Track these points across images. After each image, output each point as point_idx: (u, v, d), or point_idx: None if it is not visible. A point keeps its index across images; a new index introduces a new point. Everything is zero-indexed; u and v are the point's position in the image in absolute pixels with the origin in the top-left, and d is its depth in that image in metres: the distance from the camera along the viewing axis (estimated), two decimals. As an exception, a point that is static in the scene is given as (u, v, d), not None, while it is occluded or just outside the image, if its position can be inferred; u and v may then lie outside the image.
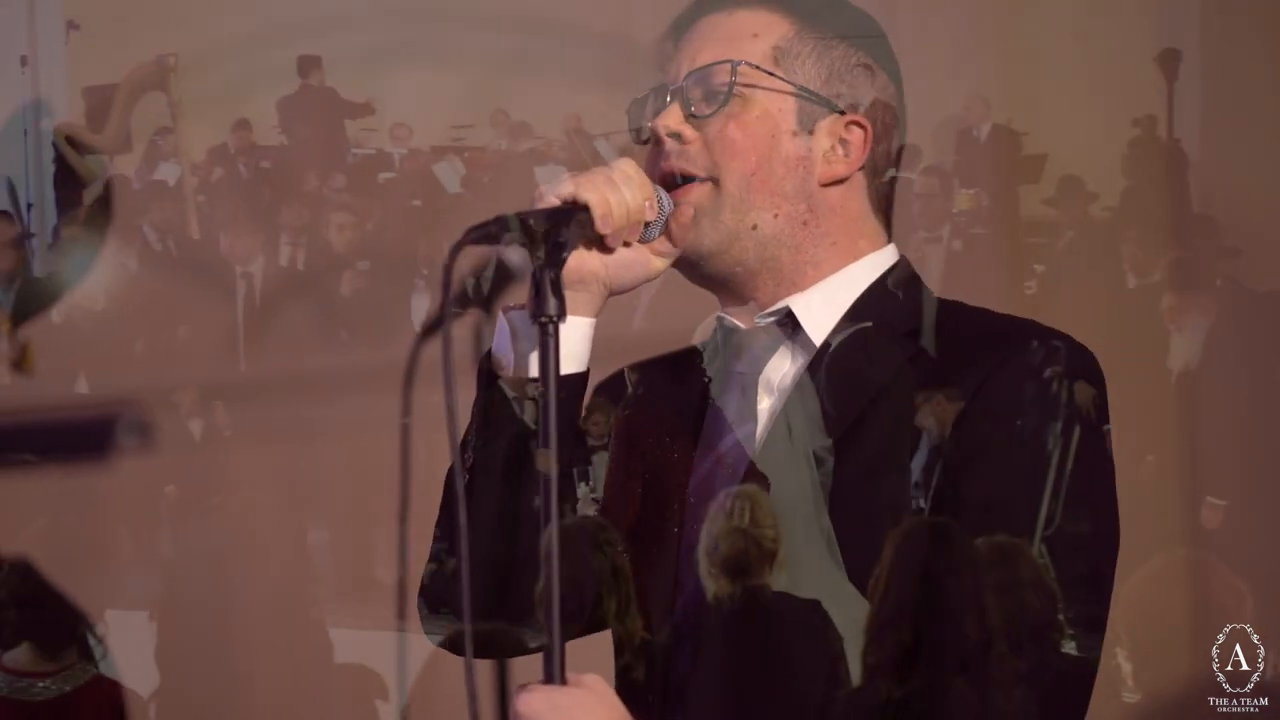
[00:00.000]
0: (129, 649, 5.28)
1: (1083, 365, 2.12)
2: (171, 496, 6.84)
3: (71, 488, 7.11)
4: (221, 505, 5.83)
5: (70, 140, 12.15)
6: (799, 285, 2.19)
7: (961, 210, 8.33)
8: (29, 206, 11.58)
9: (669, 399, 2.28)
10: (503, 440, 2.11)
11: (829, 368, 2.12)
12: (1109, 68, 9.26)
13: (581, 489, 2.23)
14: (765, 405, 2.19)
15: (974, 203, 8.53)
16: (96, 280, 8.14)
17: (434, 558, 2.21)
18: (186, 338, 8.04)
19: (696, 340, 2.30)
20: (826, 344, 2.16)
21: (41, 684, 4.76)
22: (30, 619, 4.84)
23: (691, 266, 2.21)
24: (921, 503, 2.05)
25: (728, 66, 2.17)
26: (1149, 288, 7.49)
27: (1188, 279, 7.17)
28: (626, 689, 2.11)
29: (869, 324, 2.16)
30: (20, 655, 4.80)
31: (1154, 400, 6.82)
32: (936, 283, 7.85)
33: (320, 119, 10.65)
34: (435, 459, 2.03)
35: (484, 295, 2.03)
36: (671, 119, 2.20)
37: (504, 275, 2.00)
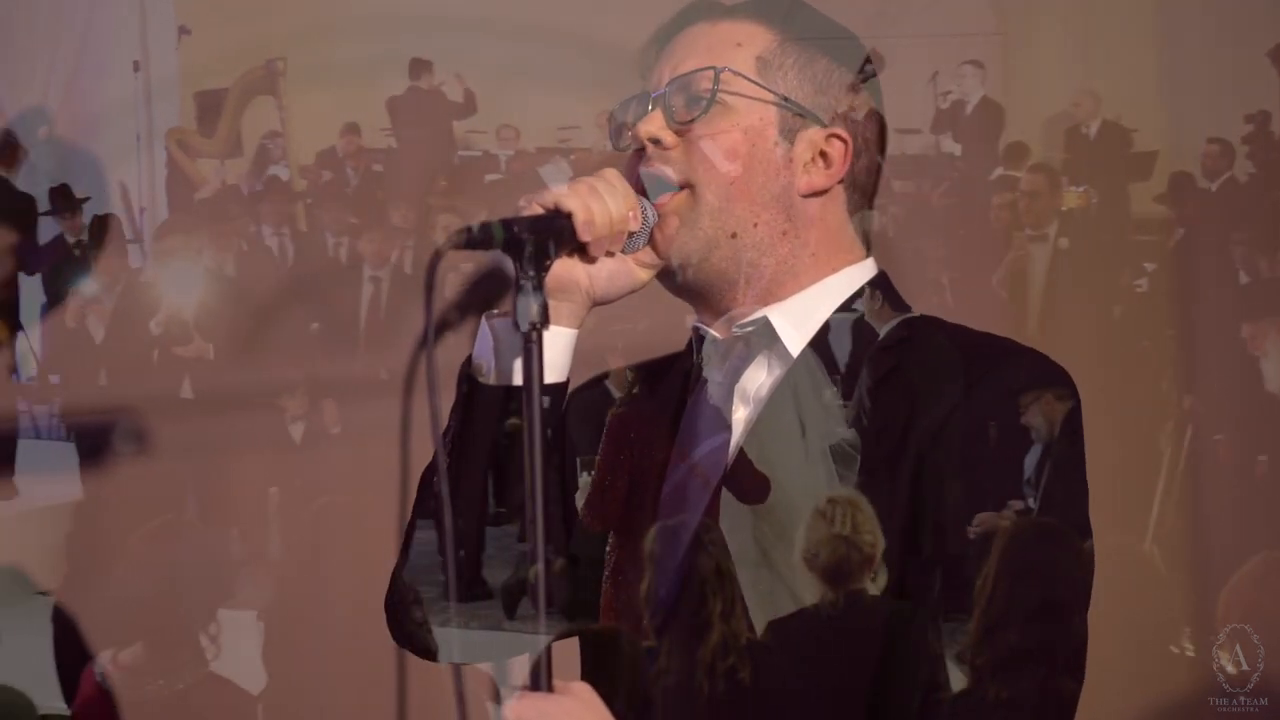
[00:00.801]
0: (239, 648, 5.34)
1: (1058, 384, 2.11)
2: (275, 498, 6.92)
3: (181, 488, 7.21)
4: (329, 504, 5.87)
5: (181, 144, 12.31)
6: (777, 296, 2.18)
7: (1070, 208, 8.27)
8: (141, 210, 11.74)
9: (646, 406, 2.28)
10: (479, 447, 2.12)
11: (806, 380, 2.12)
12: (1221, 63, 9.17)
13: (583, 478, 2.24)
14: (741, 415, 2.18)
15: (1083, 200, 8.47)
16: (205, 285, 8.22)
17: (404, 553, 2.22)
18: (304, 337, 8.11)
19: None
20: (803, 356, 2.16)
21: (155, 682, 4.82)
22: (144, 618, 4.90)
23: (672, 276, 2.20)
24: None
25: (710, 73, 2.16)
26: (1262, 285, 7.41)
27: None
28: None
29: (846, 337, 2.15)
30: (134, 653, 4.86)
31: (1265, 400, 6.76)
32: (1041, 280, 7.82)
33: (428, 122, 10.71)
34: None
35: (481, 302, 2.02)
36: (653, 125, 2.19)
37: (502, 282, 2.00)
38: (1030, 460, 2.06)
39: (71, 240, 9.51)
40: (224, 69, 11.60)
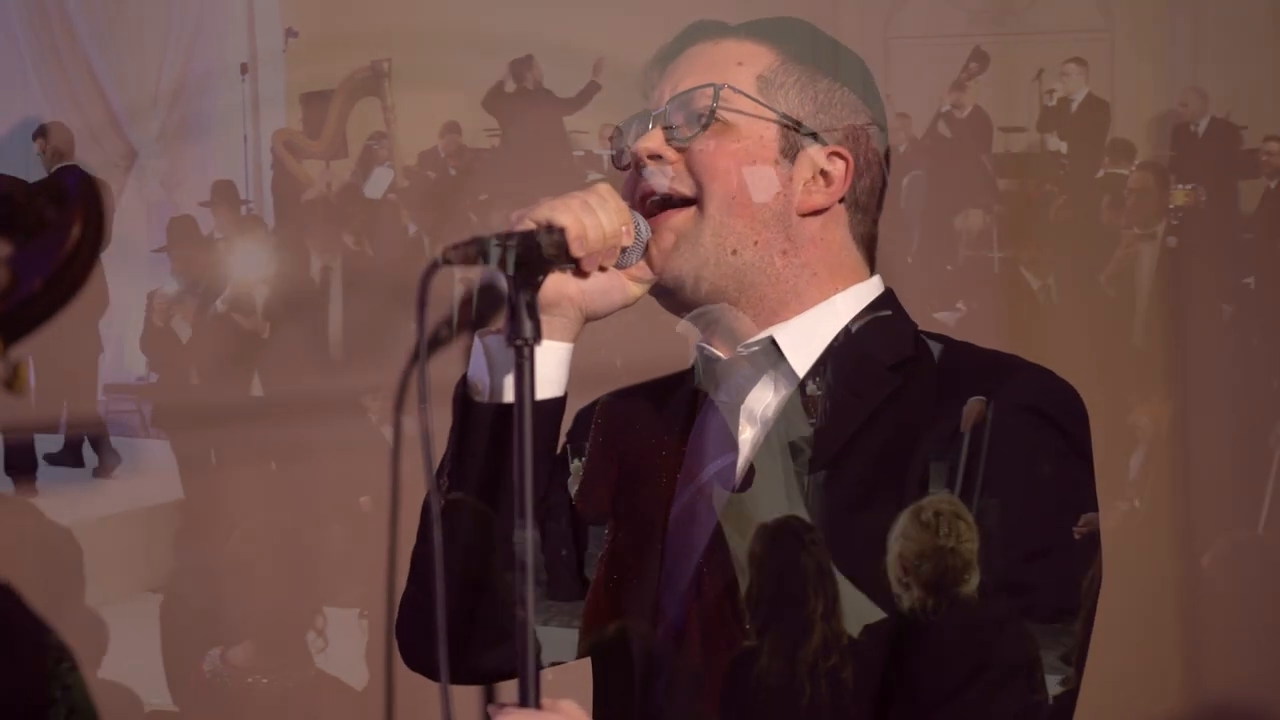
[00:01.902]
0: (343, 646, 5.37)
1: (1065, 401, 2.09)
2: (366, 506, 6.94)
3: (279, 488, 7.25)
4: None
5: (288, 146, 12.41)
6: (781, 316, 2.16)
7: (1178, 206, 8.19)
8: (248, 210, 11.84)
9: (650, 425, 2.27)
10: (478, 465, 2.11)
11: (813, 400, 2.11)
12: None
13: (575, 464, 2.24)
14: (747, 435, 2.17)
15: (1191, 198, 8.39)
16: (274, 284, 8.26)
17: (413, 583, 2.22)
18: (404, 338, 8.13)
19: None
20: (809, 375, 2.15)
21: (262, 679, 4.86)
22: (250, 616, 4.94)
23: (670, 294, 2.20)
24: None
25: (710, 90, 2.15)
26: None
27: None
28: (605, 715, 2.13)
29: (852, 357, 2.14)
30: (242, 651, 4.90)
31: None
32: (1148, 279, 7.71)
33: (531, 121, 10.75)
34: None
35: (475, 319, 2.02)
36: (653, 141, 2.18)
37: (496, 298, 1.99)
38: (1041, 476, 2.04)
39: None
40: (330, 71, 11.69)
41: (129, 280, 9.73)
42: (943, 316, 8.25)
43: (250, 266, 8.26)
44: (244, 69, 12.20)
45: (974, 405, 2.05)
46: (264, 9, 12.78)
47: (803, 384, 2.12)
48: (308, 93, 12.33)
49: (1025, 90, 10.81)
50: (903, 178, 10.92)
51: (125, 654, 5.17)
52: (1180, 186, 8.43)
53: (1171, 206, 8.02)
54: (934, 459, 2.02)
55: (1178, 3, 11.79)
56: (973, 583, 2.01)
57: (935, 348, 2.15)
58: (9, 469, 8.53)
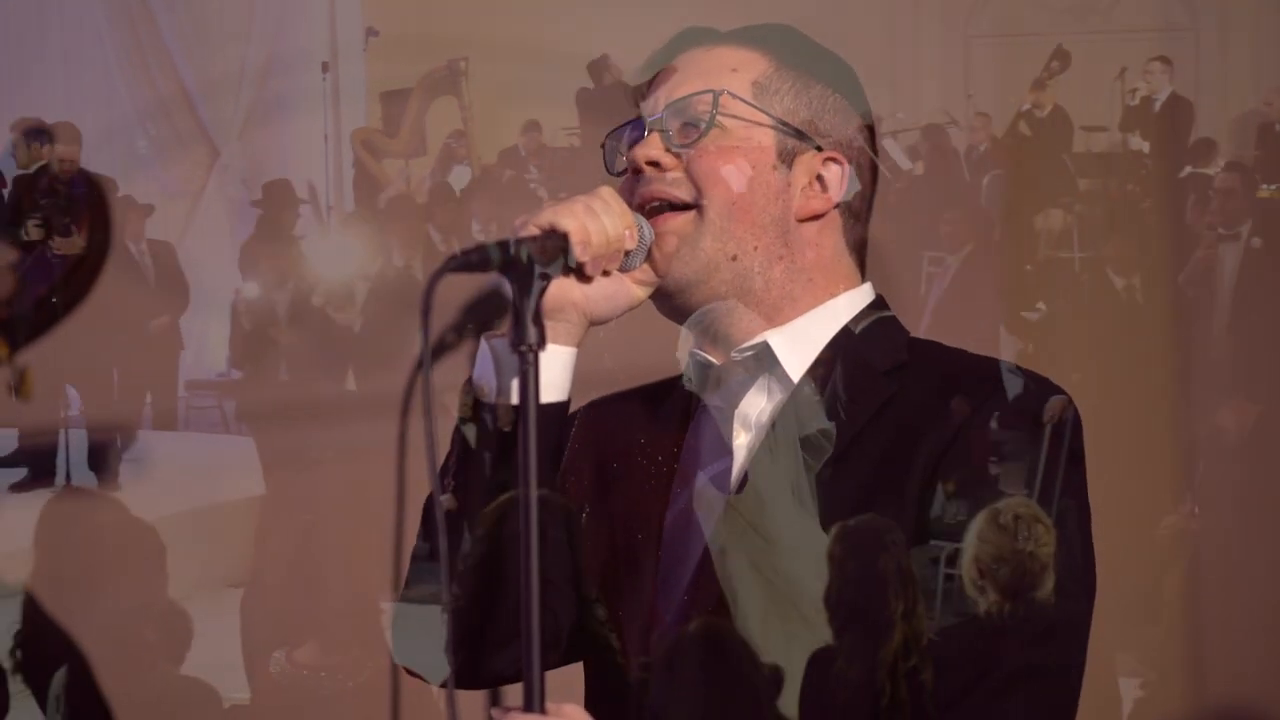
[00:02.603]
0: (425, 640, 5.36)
1: (1059, 406, 2.09)
2: (448, 504, 6.94)
3: (363, 483, 7.29)
4: (507, 501, 5.89)
5: (367, 145, 12.49)
6: (775, 321, 2.17)
7: (1263, 205, 8.12)
8: (329, 208, 11.92)
9: (644, 430, 2.28)
10: (483, 467, 2.12)
11: (807, 405, 2.11)
12: None
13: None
14: (742, 441, 2.17)
15: (1277, 198, 8.32)
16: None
17: (409, 586, 2.23)
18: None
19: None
20: (804, 381, 2.16)
21: (327, 677, 4.87)
22: (314, 614, 4.96)
23: (669, 298, 2.20)
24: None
25: (709, 96, 2.16)
26: None
27: None
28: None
29: (847, 362, 2.15)
30: (307, 651, 4.91)
31: None
32: (1230, 279, 7.63)
33: (611, 119, 10.75)
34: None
35: (481, 323, 2.03)
36: (651, 148, 2.18)
37: (501, 303, 2.00)
38: (1036, 480, 2.05)
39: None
40: (409, 70, 11.75)
41: (211, 277, 9.81)
42: (1024, 316, 8.22)
43: (340, 263, 8.30)
44: (325, 68, 12.28)
45: (1055, 404, 2.06)
46: (345, 9, 12.87)
47: (795, 390, 2.13)
48: (387, 91, 12.41)
49: (1107, 89, 10.76)
50: (983, 177, 10.89)
51: (205, 649, 5.20)
52: (1266, 186, 8.37)
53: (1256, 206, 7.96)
54: (935, 465, 2.04)
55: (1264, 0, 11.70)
56: (1048, 586, 2.02)
57: (928, 354, 2.16)
58: (92, 465, 8.62)
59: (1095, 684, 2.10)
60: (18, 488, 8.23)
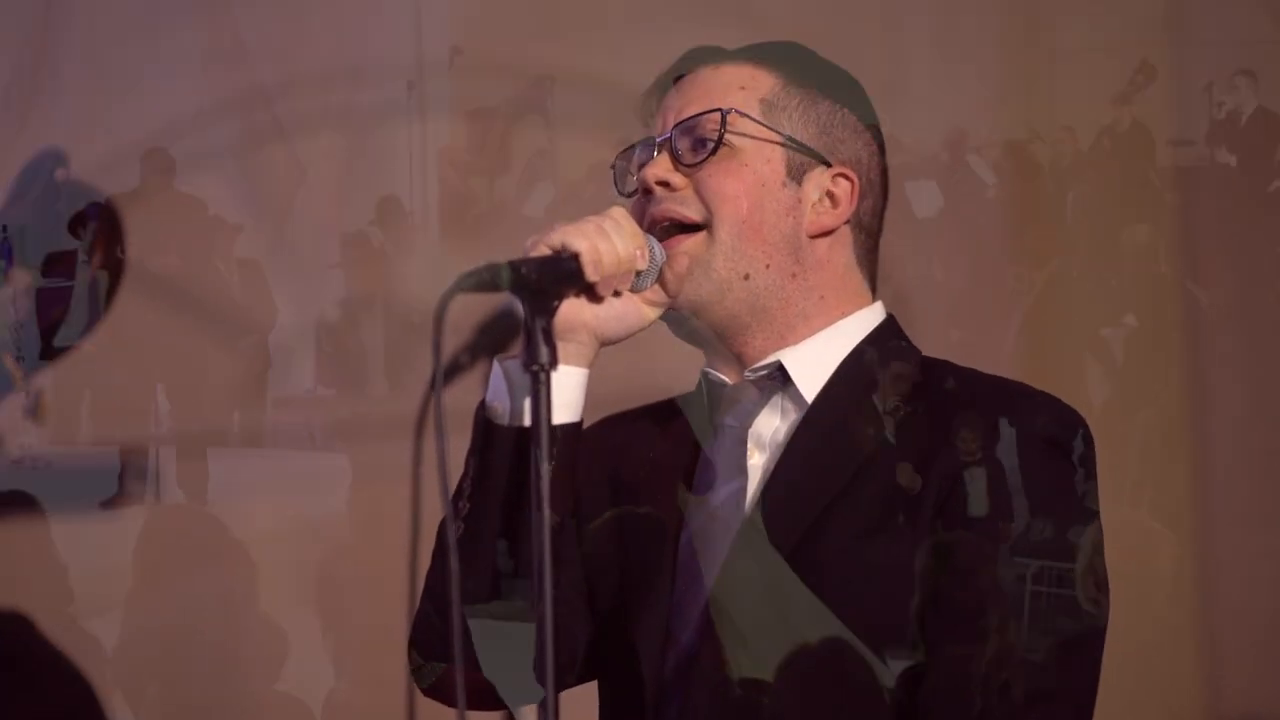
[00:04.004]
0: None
1: (1073, 427, 2.09)
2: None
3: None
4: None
5: (453, 163, 12.52)
6: (788, 340, 2.20)
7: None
8: (415, 227, 11.95)
9: (656, 448, 2.29)
10: (498, 489, 2.13)
11: (822, 426, 2.11)
12: None
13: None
14: (756, 461, 2.19)
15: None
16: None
17: (423, 606, 2.24)
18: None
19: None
20: (818, 401, 2.15)
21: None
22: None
23: (682, 321, 2.21)
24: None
25: (717, 115, 2.19)
26: None
27: None
28: None
29: (860, 381, 2.14)
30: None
31: None
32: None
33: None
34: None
35: (493, 344, 2.04)
36: (660, 168, 2.21)
37: (513, 324, 2.01)
38: (1059, 505, 2.06)
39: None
40: (495, 88, 11.79)
41: (298, 294, 9.87)
42: (1108, 333, 8.17)
43: (428, 280, 8.35)
44: (410, 86, 12.32)
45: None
46: (431, 27, 12.92)
47: (810, 410, 2.14)
48: (472, 110, 12.45)
49: (1194, 103, 10.67)
50: (1068, 192, 10.82)
51: (296, 666, 5.25)
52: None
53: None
54: (950, 485, 2.04)
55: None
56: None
57: (941, 373, 2.17)
58: (182, 483, 8.68)
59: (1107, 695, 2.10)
60: (108, 505, 8.30)
